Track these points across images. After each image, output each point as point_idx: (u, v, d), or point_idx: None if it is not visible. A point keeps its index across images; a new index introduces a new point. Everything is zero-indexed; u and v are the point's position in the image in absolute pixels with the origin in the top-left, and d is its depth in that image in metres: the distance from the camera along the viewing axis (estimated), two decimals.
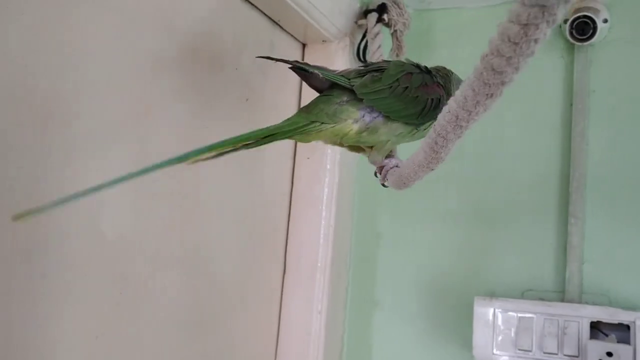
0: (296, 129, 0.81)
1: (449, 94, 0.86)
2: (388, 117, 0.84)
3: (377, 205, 1.47)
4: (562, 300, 1.27)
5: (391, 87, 0.84)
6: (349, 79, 0.84)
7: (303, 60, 1.33)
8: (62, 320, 0.74)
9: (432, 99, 0.86)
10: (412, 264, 1.43)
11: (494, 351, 1.23)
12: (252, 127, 0.78)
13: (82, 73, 0.76)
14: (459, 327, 1.33)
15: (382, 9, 1.32)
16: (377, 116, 0.84)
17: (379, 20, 1.31)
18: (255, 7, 1.15)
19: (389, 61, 0.91)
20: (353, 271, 1.37)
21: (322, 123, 0.82)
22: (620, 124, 1.31)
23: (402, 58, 1.34)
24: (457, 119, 0.54)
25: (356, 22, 1.34)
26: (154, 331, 0.89)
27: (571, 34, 1.30)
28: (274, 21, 1.21)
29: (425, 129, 0.88)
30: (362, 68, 0.87)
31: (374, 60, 1.19)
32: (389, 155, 0.92)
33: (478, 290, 1.34)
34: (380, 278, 1.45)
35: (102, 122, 0.79)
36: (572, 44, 1.34)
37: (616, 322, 1.17)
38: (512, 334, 1.22)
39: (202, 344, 1.00)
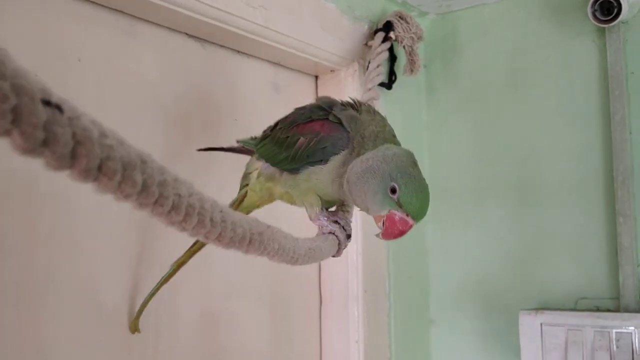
0: (239, 200, 0.85)
1: (358, 136, 0.78)
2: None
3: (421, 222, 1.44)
4: (618, 307, 1.16)
5: (272, 131, 0.83)
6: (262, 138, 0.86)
7: (317, 92, 1.34)
8: None
9: (307, 139, 0.78)
10: (463, 277, 1.39)
11: None
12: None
13: None
14: (515, 340, 1.27)
15: (388, 27, 1.30)
16: (269, 165, 0.83)
17: (387, 38, 1.29)
18: (252, 55, 1.18)
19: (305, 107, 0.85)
20: (400, 291, 1.36)
21: (245, 185, 0.87)
22: None
23: (416, 74, 1.32)
24: None
25: (366, 44, 1.33)
26: None
27: (594, 15, 1.19)
28: (275, 63, 1.23)
29: (310, 178, 0.79)
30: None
31: (370, 81, 1.17)
32: (338, 214, 0.85)
33: (530, 301, 1.27)
34: (433, 294, 1.43)
35: None
36: (602, 27, 1.22)
37: None
38: (562, 349, 1.15)
39: None
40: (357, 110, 0.82)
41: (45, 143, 0.27)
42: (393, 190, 0.72)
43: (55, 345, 0.82)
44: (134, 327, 0.90)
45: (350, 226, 0.85)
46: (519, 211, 1.32)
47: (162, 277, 0.89)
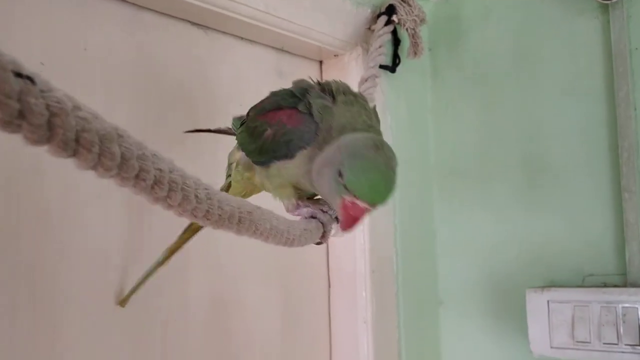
0: (224, 189, 0.84)
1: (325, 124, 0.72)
2: None
3: (428, 203, 1.46)
4: (625, 282, 1.17)
5: (247, 117, 0.79)
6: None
7: (321, 77, 1.36)
8: None
9: (273, 131, 0.73)
10: (471, 257, 1.40)
11: (552, 345, 1.17)
12: None
13: None
14: (522, 318, 1.28)
15: (391, 10, 1.31)
16: (244, 155, 0.80)
17: (389, 22, 1.30)
18: (256, 42, 1.20)
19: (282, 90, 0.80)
20: (408, 273, 1.37)
21: (229, 175, 0.85)
22: None
23: (420, 57, 1.33)
24: None
25: (369, 28, 1.34)
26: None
27: None
28: (278, 49, 1.25)
29: (281, 173, 0.75)
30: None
31: (372, 60, 1.18)
32: (321, 202, 0.80)
33: (537, 280, 1.28)
34: (441, 275, 1.44)
35: None
36: (606, 3, 1.22)
37: None
38: (568, 326, 1.15)
39: None
40: (333, 97, 0.74)
41: (21, 115, 0.29)
42: (340, 175, 0.64)
43: (67, 322, 0.85)
44: (123, 303, 0.90)
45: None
46: (526, 190, 1.32)
47: (155, 262, 0.89)
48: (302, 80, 0.78)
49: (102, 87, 0.93)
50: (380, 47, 1.21)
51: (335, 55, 1.32)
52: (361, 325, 1.24)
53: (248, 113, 0.81)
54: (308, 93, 0.73)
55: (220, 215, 0.48)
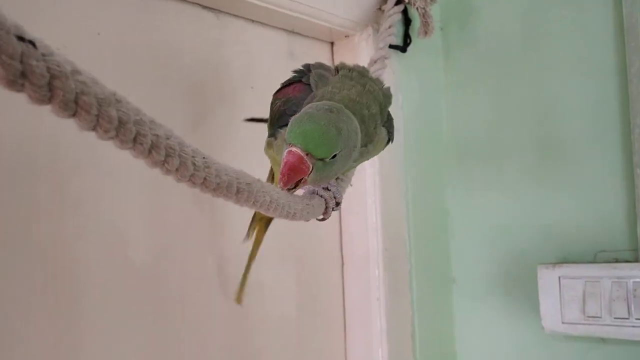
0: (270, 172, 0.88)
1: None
2: None
3: (440, 182, 1.47)
4: (637, 258, 1.17)
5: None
6: None
7: (333, 58, 1.37)
8: None
9: (280, 103, 0.77)
10: (484, 235, 1.41)
11: (563, 320, 1.18)
12: None
13: None
14: (534, 295, 1.29)
15: None
16: None
17: (399, 1, 1.31)
18: (267, 24, 1.21)
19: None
20: (421, 251, 1.39)
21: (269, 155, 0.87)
22: None
23: (431, 36, 1.33)
24: None
25: (379, 8, 1.34)
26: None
27: None
28: (289, 30, 1.26)
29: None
30: None
31: (381, 40, 1.18)
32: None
33: (550, 257, 1.28)
34: (454, 254, 1.46)
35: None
36: None
37: None
38: (579, 301, 1.16)
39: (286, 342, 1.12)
40: (337, 70, 0.77)
41: (23, 75, 0.32)
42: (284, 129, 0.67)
43: (86, 300, 0.88)
44: (239, 300, 1.00)
45: (340, 193, 0.82)
46: (538, 168, 1.33)
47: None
48: (319, 63, 0.82)
49: (116, 71, 0.96)
50: (390, 27, 1.22)
51: (346, 36, 1.33)
52: (374, 302, 1.26)
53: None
54: (314, 67, 0.77)
55: (218, 184, 0.50)
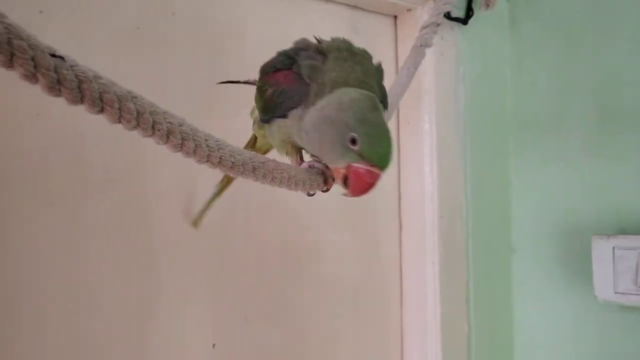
0: (250, 142, 0.94)
1: (318, 85, 0.73)
2: None
3: (504, 154, 1.49)
4: None
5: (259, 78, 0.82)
6: None
7: (396, 31, 1.41)
8: None
9: (272, 91, 0.77)
10: (544, 207, 1.42)
11: (615, 290, 1.20)
12: None
13: None
14: (589, 265, 1.30)
15: None
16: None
17: None
18: (330, 0, 1.28)
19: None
20: (480, 220, 1.43)
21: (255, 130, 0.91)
22: None
23: (492, 8, 1.34)
24: None
25: None
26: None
27: None
28: (352, 6, 1.32)
29: (280, 131, 0.79)
30: None
31: (436, 9, 1.18)
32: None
33: (606, 228, 1.29)
34: (515, 224, 1.48)
35: None
36: None
37: None
38: (632, 272, 1.17)
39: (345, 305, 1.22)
40: (324, 55, 0.75)
41: (59, 82, 0.43)
42: (353, 141, 0.66)
43: (101, 282, 0.96)
44: (195, 225, 1.03)
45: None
46: (598, 139, 1.32)
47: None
48: (302, 40, 0.80)
49: (189, 48, 1.06)
50: None
51: (408, 10, 1.38)
52: (429, 265, 1.33)
53: (260, 71, 0.84)
54: (298, 55, 0.76)
55: (233, 162, 0.59)
